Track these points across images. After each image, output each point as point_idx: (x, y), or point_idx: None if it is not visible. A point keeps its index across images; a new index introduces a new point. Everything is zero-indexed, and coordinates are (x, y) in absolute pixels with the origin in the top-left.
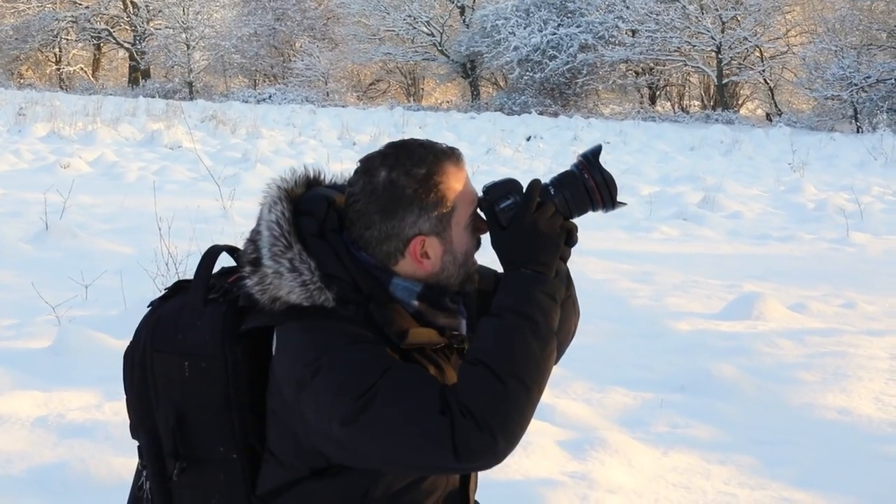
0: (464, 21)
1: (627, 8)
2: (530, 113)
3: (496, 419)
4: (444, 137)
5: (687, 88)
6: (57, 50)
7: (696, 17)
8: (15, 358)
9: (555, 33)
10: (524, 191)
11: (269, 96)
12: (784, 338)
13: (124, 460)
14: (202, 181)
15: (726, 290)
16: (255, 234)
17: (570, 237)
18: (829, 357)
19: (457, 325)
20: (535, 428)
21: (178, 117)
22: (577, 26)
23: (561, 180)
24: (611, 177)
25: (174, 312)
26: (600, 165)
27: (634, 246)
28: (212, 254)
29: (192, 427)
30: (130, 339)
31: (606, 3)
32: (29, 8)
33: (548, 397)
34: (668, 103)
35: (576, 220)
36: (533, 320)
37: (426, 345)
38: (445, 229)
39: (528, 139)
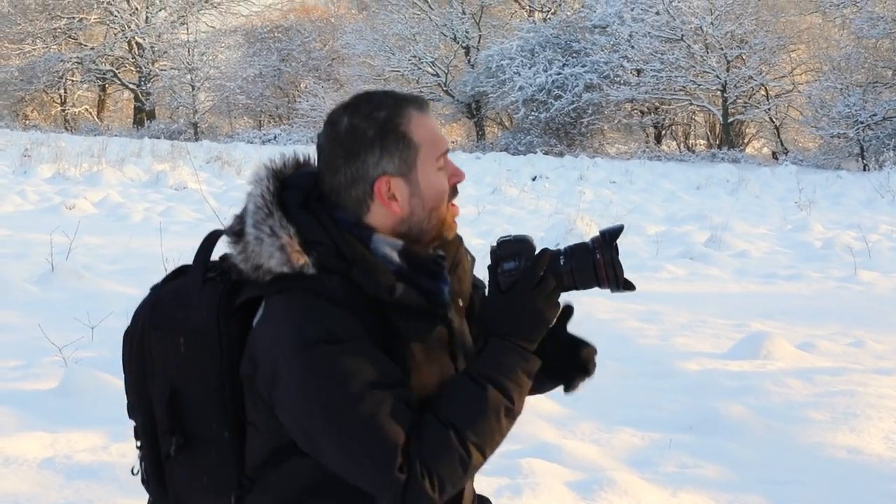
0: (469, 61)
1: (632, 47)
2: (536, 153)
3: (451, 483)
4: None
5: (692, 127)
6: (62, 91)
7: (701, 57)
8: (21, 399)
9: (560, 73)
10: (533, 257)
11: (275, 137)
12: (793, 377)
13: (131, 502)
14: (207, 222)
15: (734, 330)
16: (242, 210)
17: (564, 315)
18: (839, 396)
19: (438, 290)
20: (544, 468)
21: (184, 158)
22: (582, 66)
23: (573, 251)
24: (619, 262)
25: (173, 292)
26: (615, 246)
27: (641, 285)
28: (211, 237)
29: (186, 404)
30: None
31: (611, 42)
32: (34, 49)
33: (555, 437)
34: (674, 142)
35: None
36: (510, 399)
37: (414, 306)
38: (411, 170)
39: (534, 179)
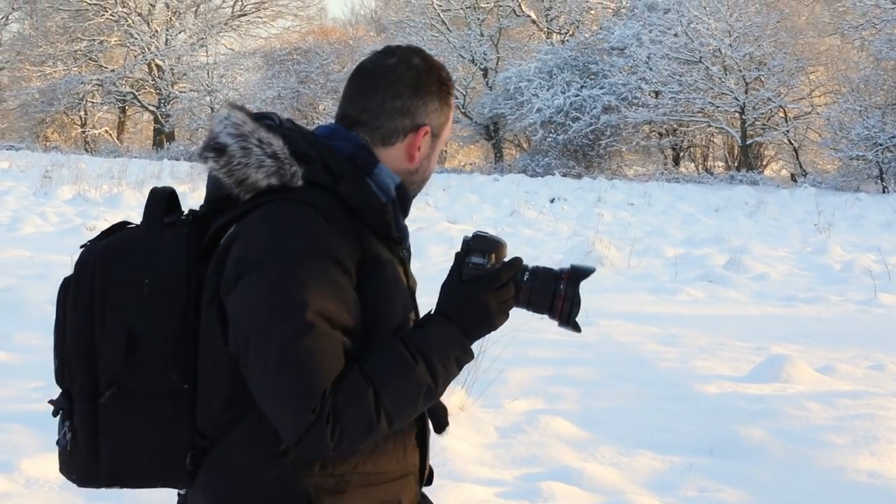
0: (487, 83)
1: (650, 69)
2: (554, 175)
3: (349, 438)
4: (467, 199)
5: (711, 149)
6: (82, 113)
7: (720, 79)
8: (43, 421)
9: (578, 95)
10: (503, 262)
11: None
12: (813, 400)
13: None
14: None
15: (753, 353)
16: (212, 138)
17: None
18: (859, 420)
19: (406, 231)
20: (564, 492)
21: (203, 179)
22: (601, 88)
23: (538, 272)
24: (579, 301)
25: (127, 238)
26: (578, 286)
27: (660, 308)
28: (159, 193)
29: (144, 352)
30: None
31: (629, 64)
32: (55, 71)
33: (576, 461)
34: (692, 164)
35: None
36: (435, 381)
37: (389, 234)
38: (439, 136)
39: (552, 201)
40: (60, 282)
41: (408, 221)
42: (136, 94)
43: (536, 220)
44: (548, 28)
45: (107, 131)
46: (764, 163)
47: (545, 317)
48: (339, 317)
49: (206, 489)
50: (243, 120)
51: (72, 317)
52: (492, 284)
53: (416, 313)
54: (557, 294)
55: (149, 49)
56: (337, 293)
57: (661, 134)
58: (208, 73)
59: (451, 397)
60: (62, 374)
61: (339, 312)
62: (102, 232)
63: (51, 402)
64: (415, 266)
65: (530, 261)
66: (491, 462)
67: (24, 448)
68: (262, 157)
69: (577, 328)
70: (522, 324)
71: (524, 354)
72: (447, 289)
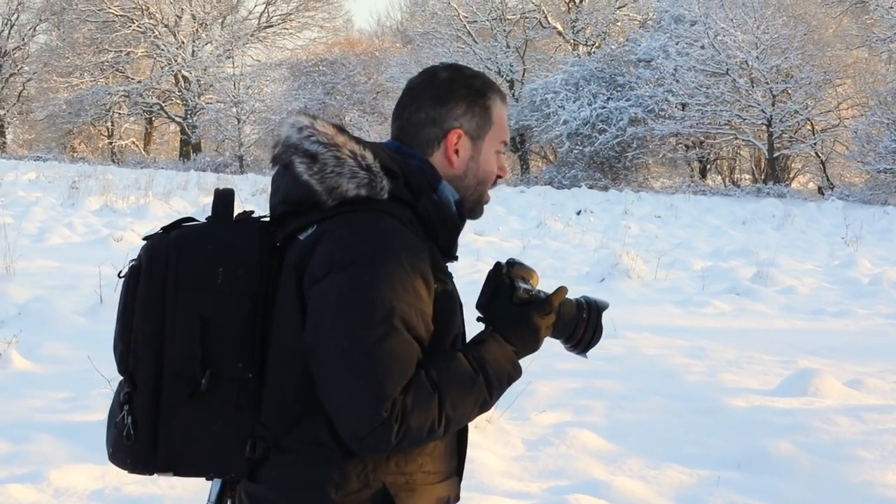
0: (513, 95)
1: (677, 81)
2: (580, 187)
3: (411, 438)
4: (494, 211)
5: (737, 162)
6: (109, 124)
7: (747, 91)
8: (71, 431)
9: (604, 107)
10: (544, 290)
11: None
12: (841, 414)
13: None
14: None
15: (781, 367)
16: (294, 147)
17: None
18: (888, 434)
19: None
20: None
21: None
22: (627, 100)
23: (564, 301)
24: (602, 330)
25: (200, 230)
26: (601, 317)
27: (688, 321)
28: (225, 194)
29: (214, 339)
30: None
31: (656, 76)
32: (82, 83)
33: (603, 474)
34: (719, 177)
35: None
36: (490, 394)
37: (451, 254)
38: (480, 137)
39: (579, 213)
40: (128, 268)
41: None
42: (163, 105)
43: (563, 233)
44: (574, 40)
45: (133, 142)
46: (791, 175)
47: (558, 341)
48: (416, 325)
49: (277, 485)
50: (333, 132)
51: (142, 301)
52: (543, 309)
53: (465, 328)
54: (580, 322)
55: (175, 60)
56: (417, 304)
57: (687, 146)
58: (235, 85)
59: None
60: (126, 358)
61: (417, 322)
62: (165, 227)
63: (119, 386)
64: None
65: (556, 273)
66: (518, 474)
67: (53, 458)
68: (355, 169)
69: (585, 354)
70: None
71: (552, 367)
72: (498, 311)
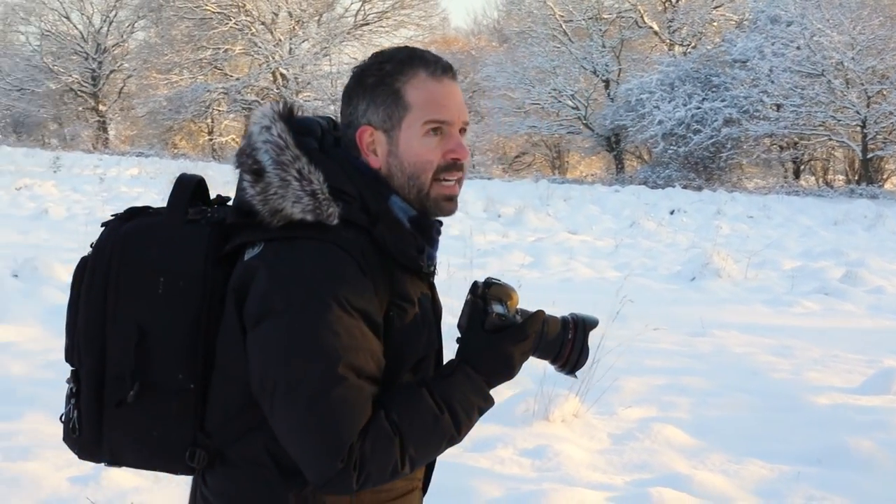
0: (608, 95)
1: (772, 82)
2: (674, 187)
3: (373, 481)
4: (588, 210)
5: (831, 163)
6: (209, 120)
7: (842, 92)
8: None
9: (699, 107)
10: (522, 312)
11: None
12: None
13: None
14: None
15: (866, 365)
16: (251, 149)
17: None
18: None
19: (433, 257)
20: (673, 498)
21: None
22: (722, 100)
23: (548, 320)
24: (588, 351)
25: (146, 229)
26: (587, 336)
27: (775, 320)
28: (189, 180)
29: (152, 349)
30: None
31: (751, 77)
32: (181, 80)
33: (686, 468)
34: (813, 178)
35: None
36: (458, 430)
37: (418, 270)
38: (394, 128)
39: (672, 213)
40: (80, 259)
41: (529, 230)
42: (261, 102)
43: (655, 232)
44: (670, 40)
45: (234, 139)
46: (884, 177)
47: (546, 362)
48: (366, 366)
49: (219, 496)
50: (285, 143)
51: (85, 302)
52: (517, 337)
53: (441, 344)
54: (566, 342)
55: (273, 58)
56: (364, 344)
57: (781, 147)
58: (332, 83)
59: (566, 404)
60: (72, 354)
61: (367, 362)
62: (124, 212)
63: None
64: (535, 275)
65: (648, 273)
66: (603, 467)
67: None
68: (300, 194)
69: (574, 374)
70: (637, 334)
71: (639, 363)
72: (472, 337)
